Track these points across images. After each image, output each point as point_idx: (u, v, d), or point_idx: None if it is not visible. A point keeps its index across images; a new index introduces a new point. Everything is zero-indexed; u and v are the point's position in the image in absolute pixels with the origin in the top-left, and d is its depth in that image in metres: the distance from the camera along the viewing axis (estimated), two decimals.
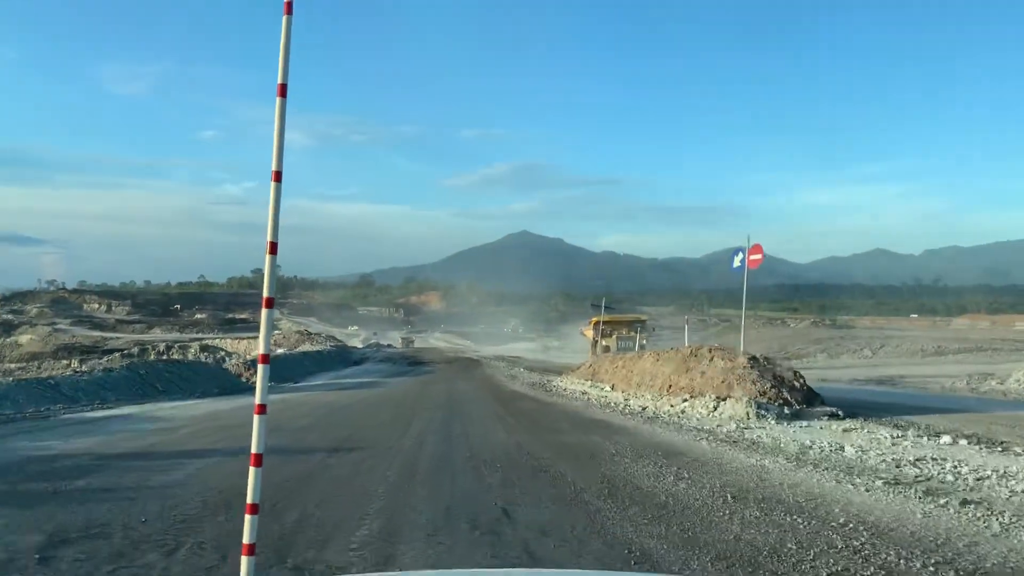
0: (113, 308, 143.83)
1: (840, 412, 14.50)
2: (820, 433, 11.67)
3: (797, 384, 15.85)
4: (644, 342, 30.67)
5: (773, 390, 15.23)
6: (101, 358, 36.31)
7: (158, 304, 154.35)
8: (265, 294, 3.00)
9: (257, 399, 2.93)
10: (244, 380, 30.60)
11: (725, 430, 12.44)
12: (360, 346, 72.17)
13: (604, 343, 32.92)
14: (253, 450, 2.87)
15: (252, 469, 2.86)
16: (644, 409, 16.71)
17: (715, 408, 14.97)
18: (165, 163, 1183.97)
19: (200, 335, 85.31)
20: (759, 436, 11.35)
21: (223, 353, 44.55)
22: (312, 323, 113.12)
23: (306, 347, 54.21)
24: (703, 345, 18.97)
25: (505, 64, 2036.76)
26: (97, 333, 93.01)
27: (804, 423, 13.20)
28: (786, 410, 14.37)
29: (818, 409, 15.00)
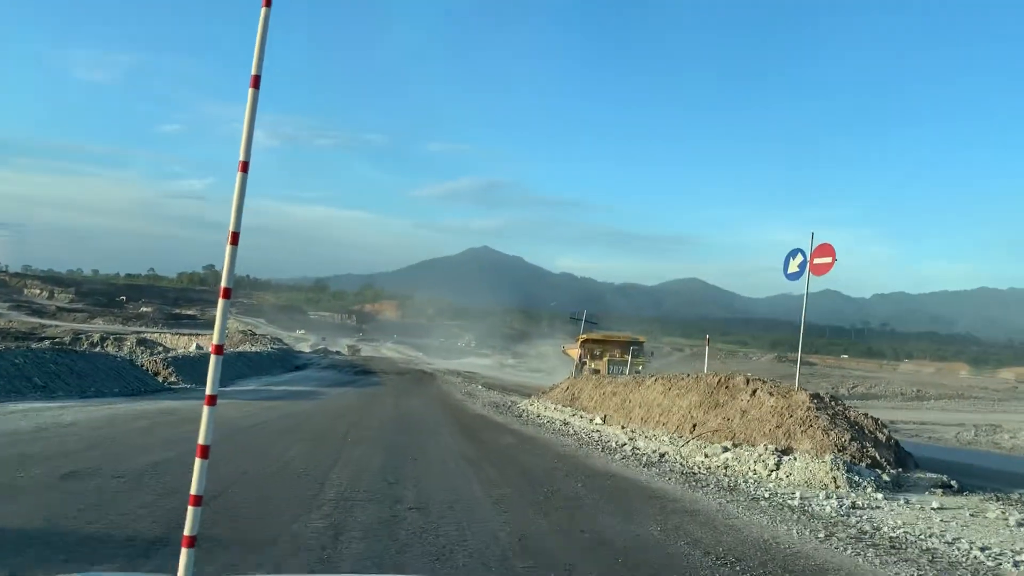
0: (56, 295, 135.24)
1: (952, 482, 10.25)
2: (991, 529, 7.28)
3: (882, 436, 11.51)
4: (640, 368, 26.14)
5: (854, 444, 10.85)
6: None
7: (103, 294, 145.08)
8: (223, 284, 2.98)
9: (208, 390, 2.87)
10: (160, 380, 25.29)
11: (826, 509, 7.99)
12: (307, 351, 67.58)
13: (593, 365, 28.07)
14: (200, 442, 2.84)
15: (198, 460, 2.89)
16: (663, 457, 12.23)
17: (777, 465, 10.55)
18: (125, 153, 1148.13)
19: (142, 328, 79.85)
20: (908, 533, 6.89)
21: (160, 348, 39.45)
22: (261, 324, 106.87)
23: (246, 348, 48.87)
24: (736, 373, 14.60)
25: (473, 81, 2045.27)
26: (35, 319, 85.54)
27: (932, 502, 8.83)
28: (883, 476, 10.02)
29: (918, 475, 10.70)
